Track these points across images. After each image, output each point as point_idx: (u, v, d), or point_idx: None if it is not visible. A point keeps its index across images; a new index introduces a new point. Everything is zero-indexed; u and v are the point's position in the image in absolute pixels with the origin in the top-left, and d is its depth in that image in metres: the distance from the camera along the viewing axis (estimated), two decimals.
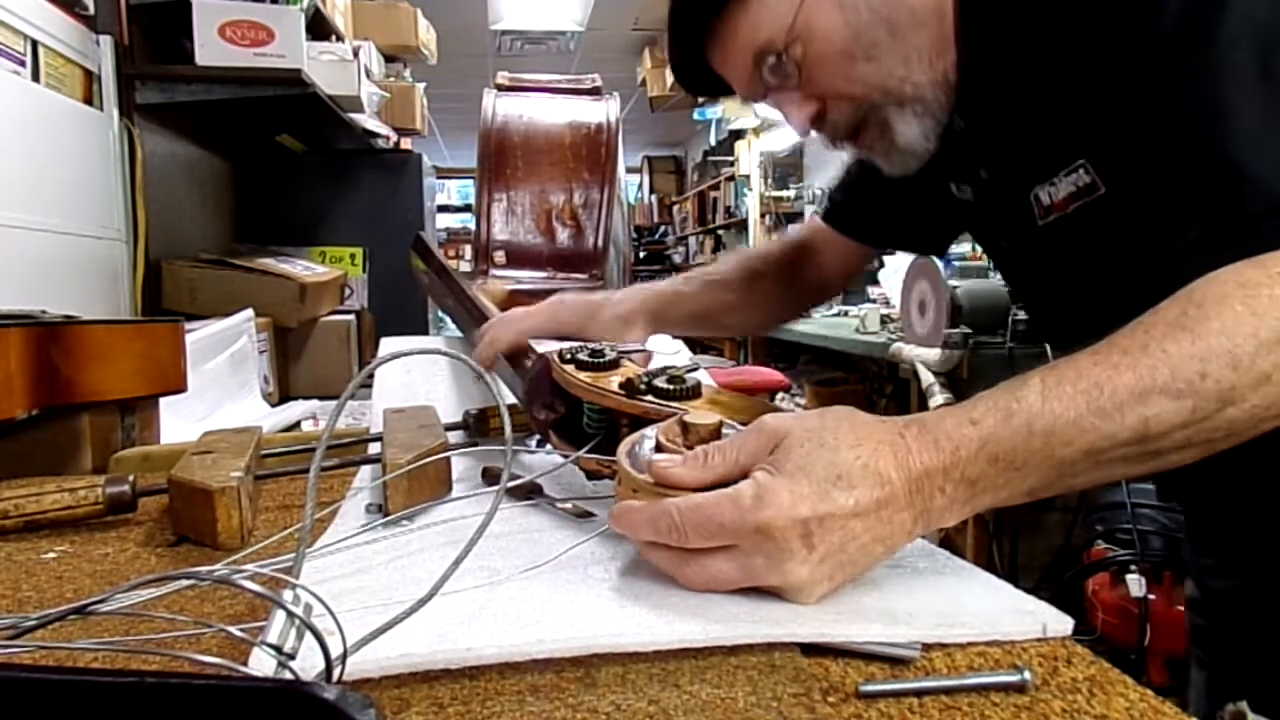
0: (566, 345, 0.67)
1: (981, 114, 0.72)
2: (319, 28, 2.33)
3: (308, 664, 0.36)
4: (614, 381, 0.60)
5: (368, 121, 2.35)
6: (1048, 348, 0.92)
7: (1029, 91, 0.68)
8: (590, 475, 0.63)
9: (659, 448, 0.51)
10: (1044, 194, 0.69)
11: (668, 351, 0.69)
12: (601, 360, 0.63)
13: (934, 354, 2.27)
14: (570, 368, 0.63)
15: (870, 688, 0.38)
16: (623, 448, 0.52)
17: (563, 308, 0.87)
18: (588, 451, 0.60)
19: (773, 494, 0.44)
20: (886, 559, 0.48)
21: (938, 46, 0.69)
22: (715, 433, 0.51)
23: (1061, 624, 0.44)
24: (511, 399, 0.75)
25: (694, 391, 0.58)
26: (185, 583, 0.50)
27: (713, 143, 6.73)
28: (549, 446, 0.68)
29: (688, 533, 0.45)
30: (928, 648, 0.42)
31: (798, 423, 0.48)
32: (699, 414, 0.52)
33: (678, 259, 9.44)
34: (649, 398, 0.58)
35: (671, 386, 0.58)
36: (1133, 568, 1.89)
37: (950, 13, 0.68)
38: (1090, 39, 0.61)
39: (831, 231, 1.00)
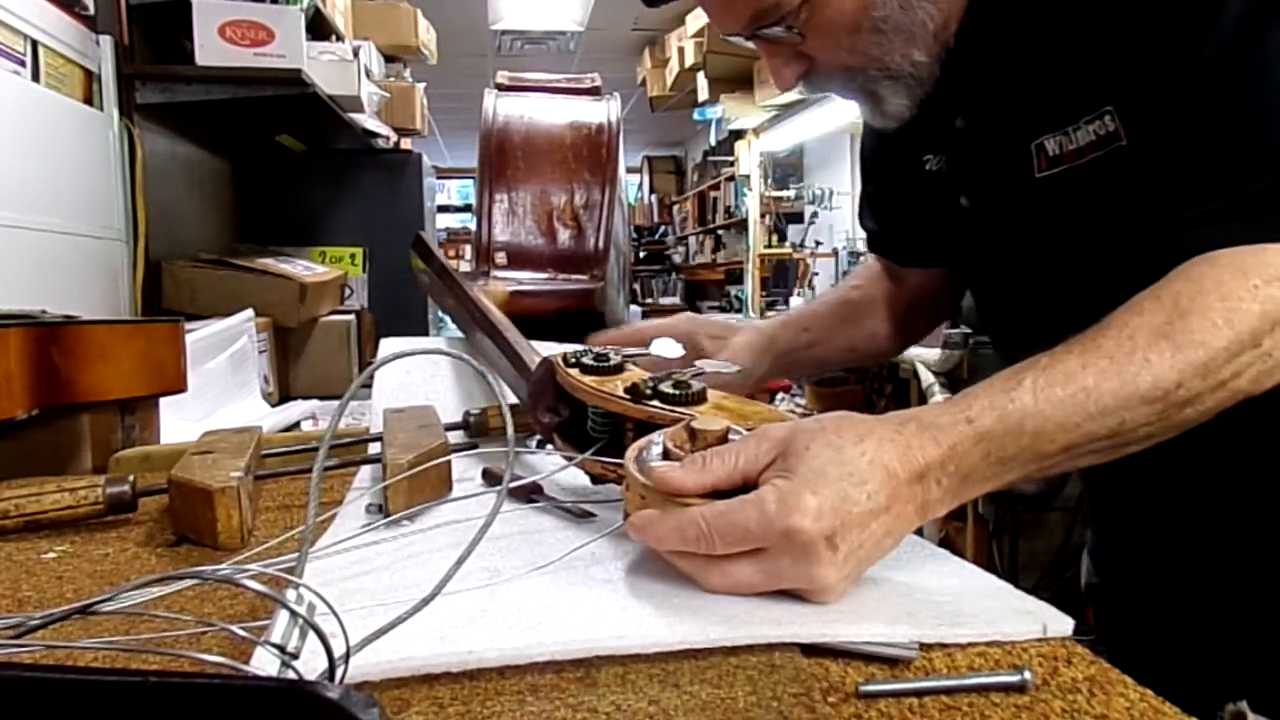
0: (571, 349, 0.67)
1: (968, 62, 0.70)
2: (319, 28, 2.34)
3: (310, 664, 0.36)
4: (619, 386, 0.60)
5: (368, 121, 2.35)
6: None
7: (1047, 37, 0.67)
8: (595, 479, 0.63)
9: (666, 454, 0.51)
10: (1052, 143, 0.67)
11: (671, 355, 0.69)
12: (606, 364, 0.63)
13: (934, 354, 2.28)
14: (575, 371, 0.63)
15: (870, 688, 0.38)
16: (630, 453, 0.53)
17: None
18: (593, 455, 0.60)
19: (796, 498, 0.45)
20: (892, 551, 0.49)
21: (945, 16, 0.68)
22: (722, 438, 0.51)
23: (1061, 624, 0.44)
24: (513, 399, 0.75)
25: (699, 396, 0.58)
26: (188, 582, 0.50)
27: (713, 143, 6.71)
28: (550, 448, 0.68)
29: (715, 540, 0.46)
30: (928, 648, 0.42)
31: (798, 428, 0.49)
32: (706, 419, 0.52)
33: (678, 259, 9.44)
34: (654, 402, 0.58)
35: (677, 391, 0.58)
36: None
37: None
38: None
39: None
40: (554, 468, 0.69)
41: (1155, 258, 0.58)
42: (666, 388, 0.58)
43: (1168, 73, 0.59)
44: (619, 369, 0.63)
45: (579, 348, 0.66)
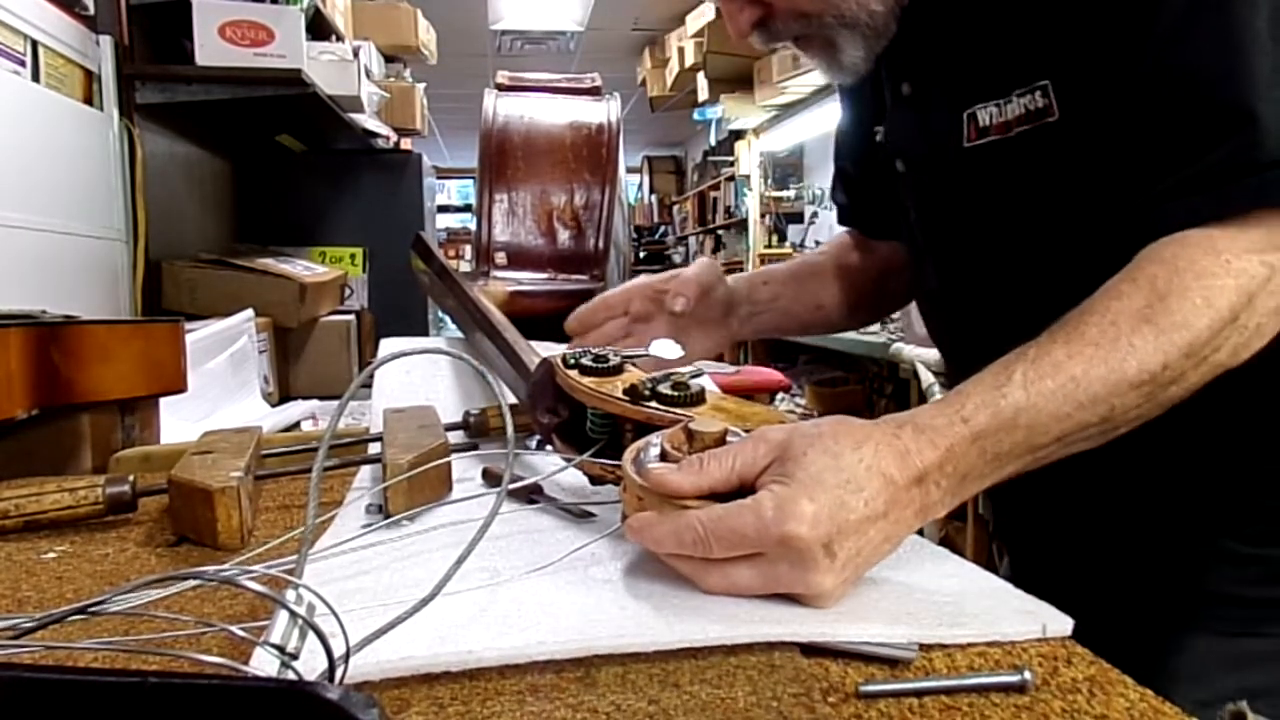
0: (570, 350, 0.67)
1: (921, 22, 0.69)
2: (319, 28, 2.34)
3: (310, 664, 0.36)
4: (618, 387, 0.60)
5: (368, 121, 2.35)
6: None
7: (992, 4, 0.66)
8: (594, 480, 0.63)
9: (664, 455, 0.51)
10: (983, 113, 0.67)
11: (670, 356, 0.69)
12: (605, 365, 0.63)
13: (934, 354, 2.28)
14: (574, 373, 0.63)
15: (870, 688, 0.38)
16: (628, 455, 0.53)
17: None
18: (591, 456, 0.60)
19: (793, 504, 0.44)
20: (891, 555, 0.49)
21: None
22: (720, 440, 0.51)
23: (1061, 624, 0.44)
24: (513, 399, 0.75)
25: (698, 397, 0.58)
26: (188, 583, 0.50)
27: (713, 143, 6.71)
28: (550, 448, 0.68)
29: (712, 545, 0.46)
30: (928, 648, 0.42)
31: (796, 432, 0.49)
32: (704, 421, 0.52)
33: (678, 259, 9.43)
34: (653, 404, 0.58)
35: (676, 393, 0.58)
36: None
37: None
38: None
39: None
40: (554, 468, 0.69)
41: (1102, 234, 0.58)
42: (665, 389, 0.58)
43: (1118, 43, 0.59)
44: (618, 370, 0.63)
45: (578, 348, 0.66)
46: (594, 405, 0.61)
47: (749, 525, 0.45)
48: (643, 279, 0.90)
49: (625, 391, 0.59)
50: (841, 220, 1.01)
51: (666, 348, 0.70)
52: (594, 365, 0.63)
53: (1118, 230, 0.58)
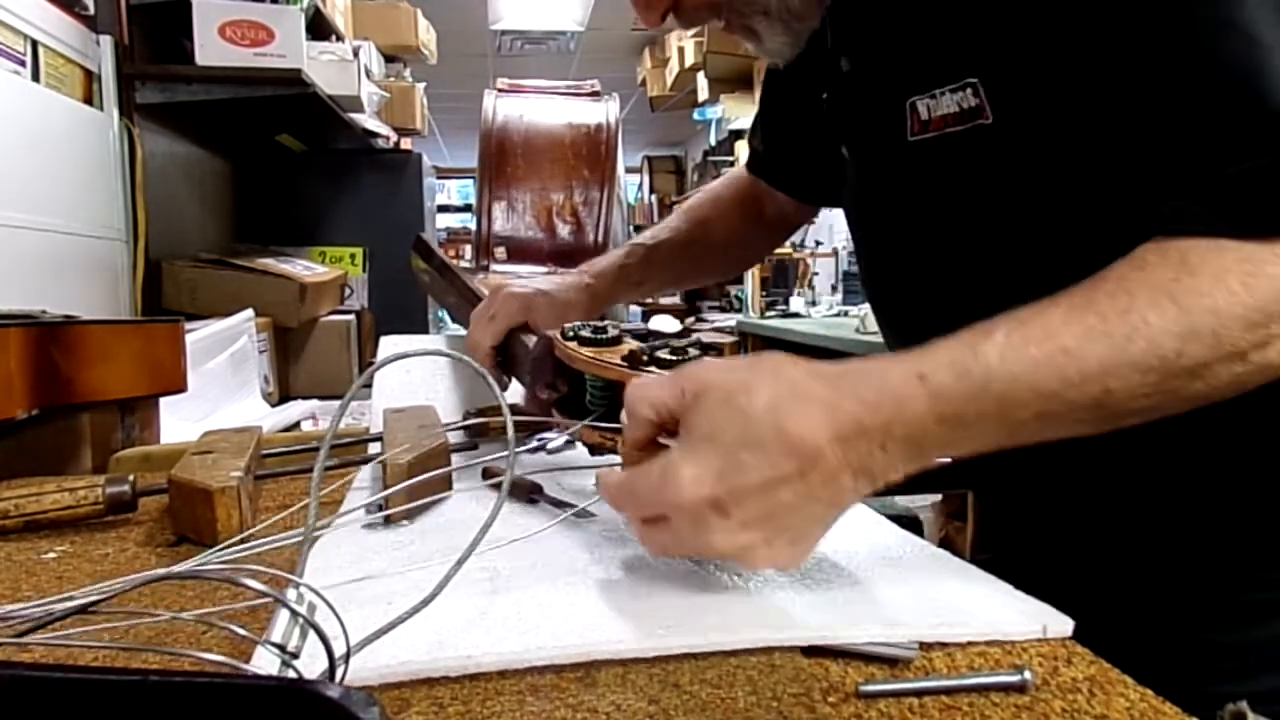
0: (568, 325, 0.67)
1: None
2: (319, 28, 2.34)
3: (310, 664, 0.36)
4: (616, 357, 0.61)
5: (368, 121, 2.35)
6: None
7: None
8: (594, 450, 0.64)
9: None
10: (922, 105, 0.60)
11: (669, 330, 0.70)
12: (604, 337, 0.64)
13: None
14: (574, 344, 0.64)
15: (870, 688, 0.38)
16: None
17: (503, 301, 0.82)
18: (591, 425, 0.61)
19: (675, 470, 0.43)
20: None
21: None
22: None
23: (1061, 624, 0.44)
24: (514, 398, 0.75)
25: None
26: (188, 581, 0.50)
27: (713, 143, 6.71)
28: (550, 446, 0.68)
29: (626, 508, 0.46)
30: (928, 648, 0.42)
31: (719, 376, 0.45)
32: None
33: None
34: (651, 368, 0.58)
35: (674, 357, 0.58)
36: None
37: None
38: None
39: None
40: (554, 469, 0.70)
41: (1056, 243, 0.54)
42: (664, 354, 0.59)
43: (1070, 46, 0.52)
44: (616, 341, 0.64)
45: (578, 323, 0.67)
46: (594, 374, 0.61)
47: (641, 491, 0.45)
48: (518, 305, 0.81)
49: (624, 358, 0.59)
50: (750, 166, 0.95)
51: (665, 322, 0.71)
52: (592, 337, 0.64)
53: (1075, 238, 0.54)
